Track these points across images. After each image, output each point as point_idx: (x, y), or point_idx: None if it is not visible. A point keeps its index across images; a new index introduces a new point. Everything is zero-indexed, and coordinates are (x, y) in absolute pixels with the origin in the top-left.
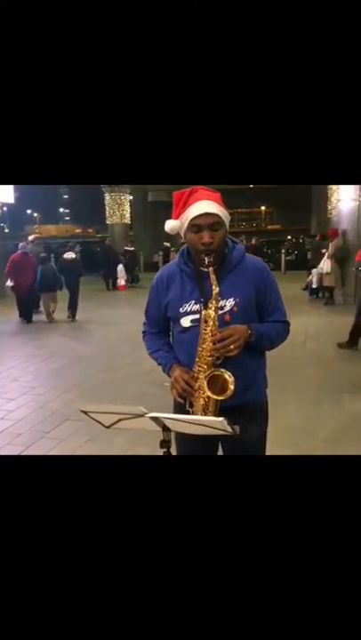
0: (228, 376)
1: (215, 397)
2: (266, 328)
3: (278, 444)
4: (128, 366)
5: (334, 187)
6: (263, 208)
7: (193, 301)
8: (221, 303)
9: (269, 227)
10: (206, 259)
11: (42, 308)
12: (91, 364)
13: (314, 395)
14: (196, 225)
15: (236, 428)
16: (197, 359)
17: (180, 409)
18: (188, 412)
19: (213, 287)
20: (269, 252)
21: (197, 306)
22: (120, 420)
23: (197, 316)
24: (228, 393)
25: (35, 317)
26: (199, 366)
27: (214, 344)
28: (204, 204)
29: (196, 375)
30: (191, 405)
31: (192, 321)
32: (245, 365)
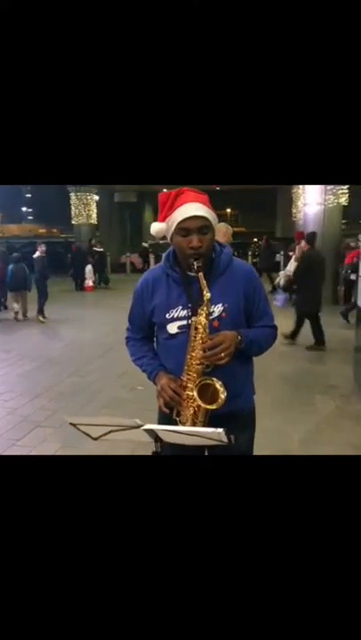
0: (220, 385)
1: (206, 407)
2: (255, 334)
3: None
4: (99, 370)
5: (300, 190)
6: (229, 210)
7: (180, 307)
8: (212, 308)
9: (235, 229)
10: (195, 263)
11: (9, 308)
12: (61, 368)
13: (287, 396)
14: (184, 228)
15: (233, 437)
16: (186, 367)
17: (165, 418)
18: (174, 422)
19: (204, 293)
20: (236, 254)
21: (185, 312)
22: (110, 432)
23: (185, 322)
24: (220, 402)
25: (1, 316)
26: (188, 374)
27: (204, 352)
28: (193, 207)
29: (184, 384)
30: (178, 415)
31: (179, 327)
32: (234, 373)
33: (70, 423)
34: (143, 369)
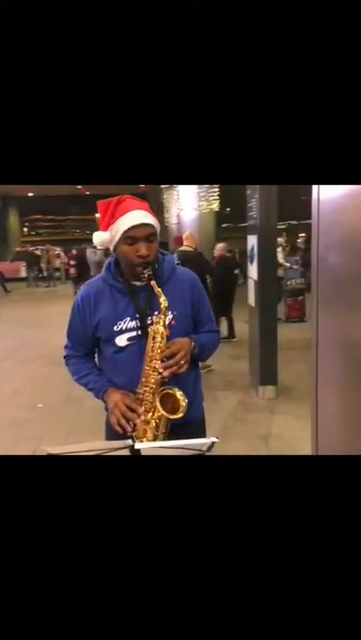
0: (180, 395)
1: (170, 417)
2: (204, 339)
3: None
4: None
5: (173, 196)
6: (98, 215)
7: (128, 318)
8: (160, 317)
9: None
10: (145, 272)
11: None
12: None
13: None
14: (131, 237)
15: (216, 440)
16: (144, 379)
17: (114, 437)
18: (130, 439)
19: (162, 300)
20: None
21: (133, 322)
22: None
23: (134, 333)
24: (182, 410)
25: None
26: (145, 386)
27: (162, 361)
28: (139, 214)
29: (140, 396)
30: (134, 430)
31: (129, 339)
32: (185, 380)
33: (49, 454)
34: (90, 387)
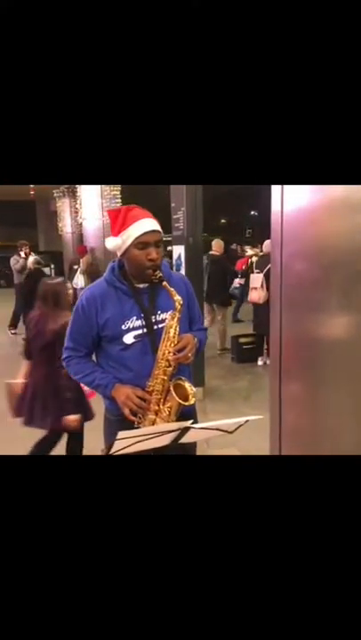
0: (188, 385)
1: (184, 403)
2: (200, 336)
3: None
4: None
5: (79, 205)
6: None
7: (134, 317)
8: (162, 316)
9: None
10: (156, 274)
11: None
12: None
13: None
14: (143, 242)
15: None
16: (156, 371)
17: (128, 427)
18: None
19: (176, 299)
20: None
21: (139, 321)
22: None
23: (140, 331)
24: (192, 398)
25: None
26: (156, 378)
27: (174, 354)
28: (150, 222)
29: (150, 388)
30: (141, 420)
31: (135, 337)
32: (182, 372)
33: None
34: (96, 384)
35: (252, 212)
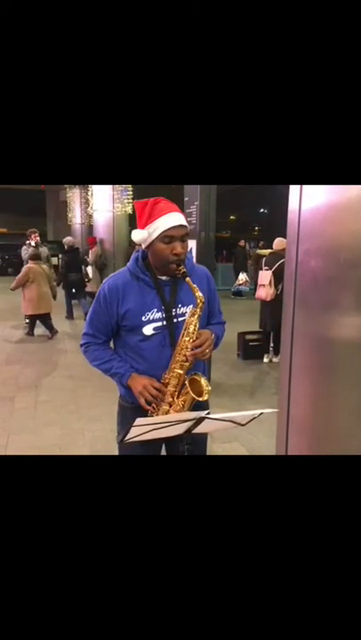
0: (204, 381)
1: (198, 399)
2: (218, 330)
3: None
4: None
5: (90, 196)
6: None
7: (155, 309)
8: (183, 310)
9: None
10: (181, 269)
11: None
12: None
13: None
14: (169, 236)
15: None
16: (173, 365)
17: (143, 415)
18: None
19: (198, 295)
20: (7, 257)
21: (160, 314)
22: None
23: (160, 323)
24: (207, 393)
25: None
26: (172, 371)
27: (192, 349)
28: (177, 216)
29: (166, 380)
30: (155, 410)
31: (154, 329)
32: (199, 368)
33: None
34: (113, 371)
35: (261, 210)
